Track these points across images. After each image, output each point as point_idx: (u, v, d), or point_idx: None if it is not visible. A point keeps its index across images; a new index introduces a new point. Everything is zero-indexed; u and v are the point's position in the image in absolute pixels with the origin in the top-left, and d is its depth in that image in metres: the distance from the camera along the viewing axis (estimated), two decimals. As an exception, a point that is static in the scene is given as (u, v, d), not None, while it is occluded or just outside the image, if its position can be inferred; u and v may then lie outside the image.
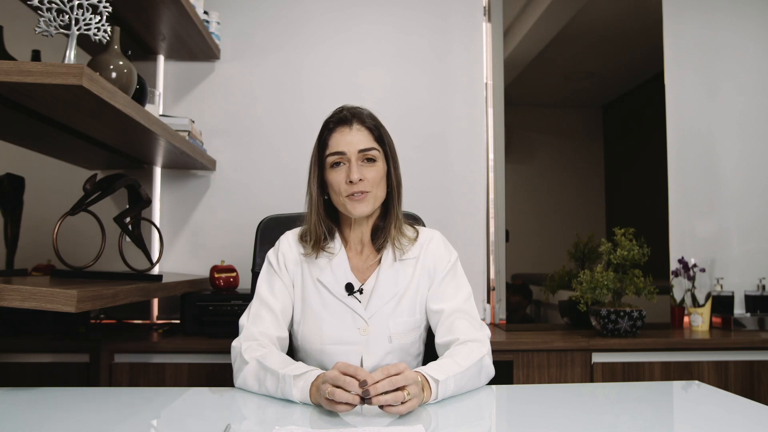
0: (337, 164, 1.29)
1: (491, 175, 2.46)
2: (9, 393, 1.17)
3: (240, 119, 2.43)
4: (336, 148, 1.29)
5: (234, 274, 2.12)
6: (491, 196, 2.46)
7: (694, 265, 2.38)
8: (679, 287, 2.40)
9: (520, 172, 2.44)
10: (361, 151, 1.28)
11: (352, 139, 1.28)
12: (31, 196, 1.74)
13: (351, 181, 1.26)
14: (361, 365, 1.28)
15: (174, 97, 2.42)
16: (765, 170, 2.58)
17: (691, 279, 2.37)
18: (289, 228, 1.43)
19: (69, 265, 1.51)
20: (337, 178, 1.28)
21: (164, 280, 1.64)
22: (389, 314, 1.31)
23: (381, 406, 0.99)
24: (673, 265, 2.44)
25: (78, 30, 1.25)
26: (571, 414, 1.08)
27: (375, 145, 1.30)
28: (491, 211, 2.46)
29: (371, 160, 1.29)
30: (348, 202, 1.28)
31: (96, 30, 1.26)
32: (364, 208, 1.29)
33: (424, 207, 2.05)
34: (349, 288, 1.31)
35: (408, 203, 1.48)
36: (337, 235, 1.36)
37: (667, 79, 2.48)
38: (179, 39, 2.18)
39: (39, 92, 1.19)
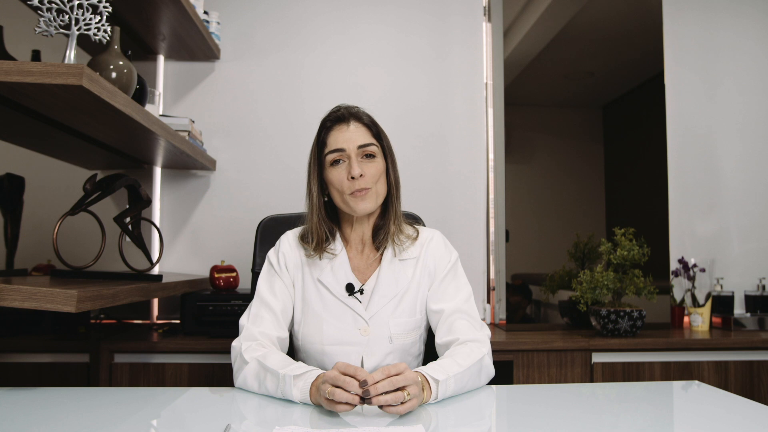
0: (336, 162, 1.29)
1: (491, 175, 2.46)
2: (9, 393, 1.17)
3: (240, 119, 2.43)
4: (335, 145, 1.29)
5: (234, 274, 2.12)
6: (491, 196, 2.46)
7: (694, 265, 2.38)
8: (679, 287, 2.40)
9: (520, 172, 2.43)
10: (360, 147, 1.28)
11: (351, 136, 1.28)
12: (31, 196, 1.74)
13: (352, 177, 1.26)
14: (362, 366, 1.28)
15: (174, 97, 2.42)
16: (765, 170, 2.58)
17: (691, 279, 2.37)
18: (289, 228, 1.43)
19: (69, 265, 1.51)
20: (338, 175, 1.28)
21: (164, 280, 1.64)
22: (390, 314, 1.31)
23: (381, 406, 0.99)
24: (673, 265, 2.44)
25: (78, 30, 1.25)
26: (571, 414, 1.08)
27: (373, 140, 1.31)
28: (491, 211, 2.46)
29: (370, 156, 1.29)
30: (351, 200, 1.28)
31: (96, 30, 1.26)
32: (366, 204, 1.29)
33: (424, 207, 2.05)
34: (350, 288, 1.31)
35: (408, 203, 1.48)
36: (338, 235, 1.36)
37: (667, 79, 2.48)
38: (179, 39, 2.18)
39: (39, 92, 1.19)
